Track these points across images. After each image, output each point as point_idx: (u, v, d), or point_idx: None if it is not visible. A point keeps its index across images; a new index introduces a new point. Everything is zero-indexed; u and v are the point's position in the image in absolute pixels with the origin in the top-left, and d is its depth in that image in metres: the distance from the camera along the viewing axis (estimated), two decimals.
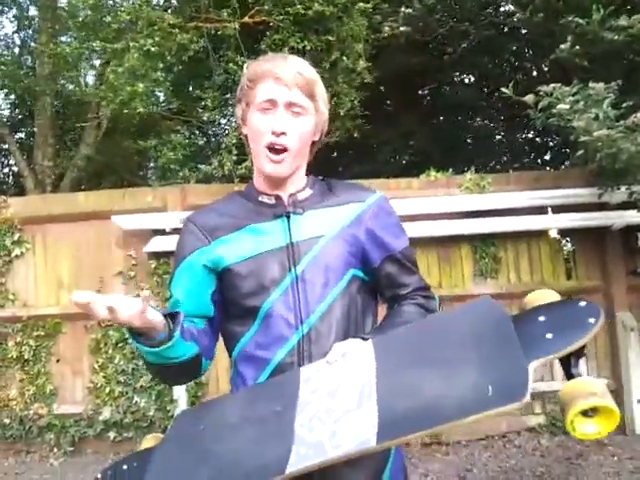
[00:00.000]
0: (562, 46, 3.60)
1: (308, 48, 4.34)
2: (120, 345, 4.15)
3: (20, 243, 4.27)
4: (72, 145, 6.81)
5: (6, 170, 8.26)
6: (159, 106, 5.87)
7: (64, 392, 4.22)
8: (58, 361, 4.24)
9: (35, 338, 4.20)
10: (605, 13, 3.43)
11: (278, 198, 1.22)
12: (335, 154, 7.18)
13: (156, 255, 4.14)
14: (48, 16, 5.93)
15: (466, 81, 7.91)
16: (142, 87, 4.29)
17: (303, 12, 4.23)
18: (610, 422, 0.91)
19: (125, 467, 1.15)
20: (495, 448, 3.92)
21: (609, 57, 3.83)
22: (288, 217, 1.20)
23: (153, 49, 4.25)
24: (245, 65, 1.27)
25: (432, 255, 4.24)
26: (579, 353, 0.99)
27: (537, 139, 7.67)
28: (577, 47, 3.60)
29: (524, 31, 5.97)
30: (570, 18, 3.63)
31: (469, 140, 7.84)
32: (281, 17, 4.34)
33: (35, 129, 6.25)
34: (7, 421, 4.12)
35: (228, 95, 5.14)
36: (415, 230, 3.83)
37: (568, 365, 1.00)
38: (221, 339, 1.26)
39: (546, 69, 6.40)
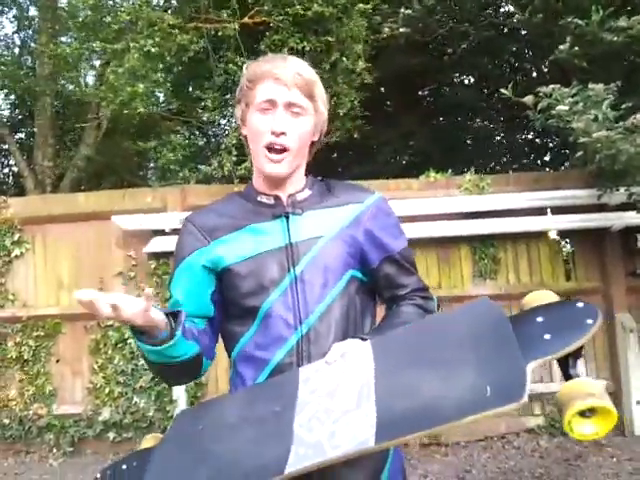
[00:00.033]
0: (561, 47, 3.60)
1: (307, 49, 4.35)
2: (120, 346, 4.15)
3: (20, 243, 4.27)
4: (72, 145, 6.81)
5: (6, 170, 8.27)
6: (159, 106, 5.88)
7: (64, 392, 4.22)
8: (58, 361, 4.24)
9: (35, 338, 4.21)
10: (604, 14, 3.44)
11: (277, 198, 1.22)
12: (335, 155, 7.19)
13: (156, 255, 4.15)
14: (48, 16, 5.94)
15: (466, 82, 7.92)
16: (142, 88, 4.30)
17: (302, 13, 4.24)
18: (608, 423, 0.91)
19: (124, 467, 1.16)
20: (494, 449, 3.92)
21: (608, 58, 3.84)
22: (287, 217, 1.20)
23: (153, 50, 4.25)
24: (244, 66, 1.28)
25: (431, 256, 4.24)
26: (577, 354, 0.99)
27: (537, 140, 7.68)
28: (576, 48, 3.60)
29: (524, 32, 5.98)
30: (569, 19, 3.64)
31: (469, 141, 7.84)
32: (281, 18, 4.35)
33: (35, 129, 6.25)
34: (7, 421, 4.12)
35: (228, 96, 5.14)
36: (414, 231, 3.83)
37: (566, 366, 1.00)
38: (220, 339, 1.27)
39: (546, 70, 6.41)
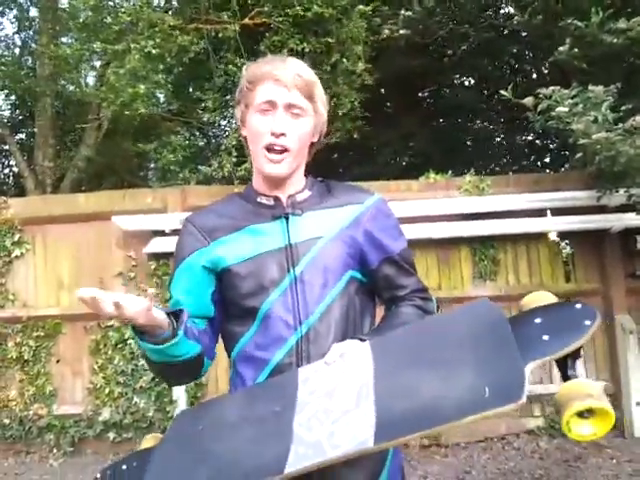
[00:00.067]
0: (561, 48, 3.60)
1: (307, 50, 4.36)
2: (120, 346, 4.16)
3: (20, 244, 4.28)
4: (72, 146, 6.82)
5: (6, 171, 8.27)
6: (159, 107, 5.88)
7: (64, 393, 4.22)
8: (58, 362, 4.24)
9: (35, 339, 4.21)
10: (604, 16, 3.44)
11: (277, 199, 1.23)
12: (335, 155, 7.20)
13: (156, 256, 4.15)
14: (49, 17, 5.94)
15: (466, 83, 7.93)
16: (143, 89, 4.30)
17: (302, 14, 4.25)
18: (606, 424, 0.91)
19: (124, 467, 1.16)
20: (494, 450, 3.92)
21: (608, 60, 3.84)
22: (287, 218, 1.20)
23: (154, 51, 4.26)
24: (244, 67, 1.28)
25: (431, 257, 4.25)
26: (575, 355, 1.00)
27: (537, 141, 7.69)
28: (576, 50, 3.60)
29: (524, 34, 5.98)
30: (569, 21, 3.64)
31: (469, 142, 7.85)
32: (280, 19, 4.35)
33: (35, 130, 6.25)
34: (7, 421, 4.12)
35: (228, 97, 5.15)
36: (414, 232, 3.84)
37: (564, 367, 1.01)
38: (220, 340, 1.27)
39: (546, 72, 6.42)
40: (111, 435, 4.08)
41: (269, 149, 1.18)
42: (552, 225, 4.14)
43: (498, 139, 7.94)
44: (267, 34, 4.49)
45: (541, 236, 4.23)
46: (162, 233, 4.06)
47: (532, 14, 4.19)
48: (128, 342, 4.11)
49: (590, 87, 3.19)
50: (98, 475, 1.17)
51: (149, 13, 4.46)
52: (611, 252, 4.19)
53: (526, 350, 0.96)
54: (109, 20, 4.72)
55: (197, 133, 6.57)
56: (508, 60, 7.19)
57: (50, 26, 5.87)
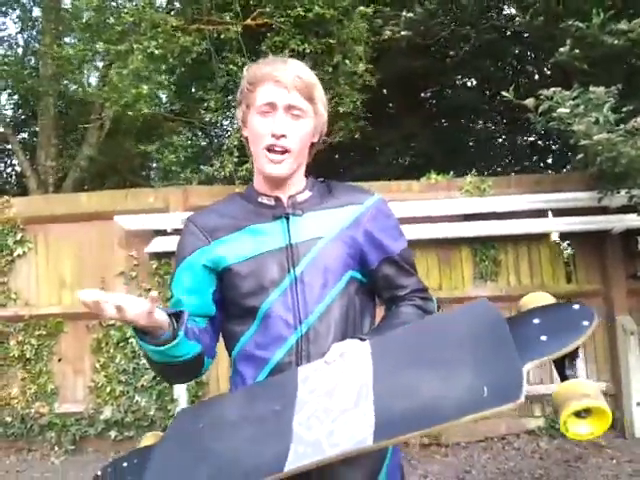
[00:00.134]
0: (561, 49, 3.60)
1: (308, 51, 4.36)
2: (121, 345, 4.17)
3: (22, 243, 4.29)
4: (75, 145, 6.83)
5: (9, 170, 8.31)
6: (162, 107, 5.90)
7: (65, 391, 4.24)
8: (60, 360, 4.25)
9: (37, 337, 4.22)
10: (605, 17, 3.44)
11: (277, 199, 1.24)
12: (337, 156, 7.20)
13: (157, 255, 4.16)
14: (52, 17, 5.97)
15: (468, 84, 7.93)
16: (146, 89, 4.31)
17: (304, 15, 4.25)
18: (603, 423, 0.92)
19: (125, 464, 1.17)
20: (494, 450, 3.93)
21: (609, 61, 3.84)
22: (287, 218, 1.21)
23: (157, 51, 4.27)
24: (245, 68, 1.29)
25: (432, 257, 4.25)
26: (573, 355, 1.00)
27: (539, 142, 7.68)
28: (577, 50, 3.60)
29: (526, 35, 5.98)
30: (570, 22, 3.64)
31: (471, 143, 7.84)
32: (282, 19, 4.36)
33: (38, 129, 6.27)
34: (9, 419, 4.14)
35: (230, 97, 5.16)
36: (415, 232, 3.84)
37: (562, 367, 1.01)
38: (221, 338, 1.28)
39: (548, 73, 6.42)
40: (112, 433, 4.09)
41: (270, 150, 1.19)
42: (553, 226, 4.14)
43: (500, 140, 7.94)
44: (268, 34, 4.50)
45: (542, 237, 4.22)
46: (164, 233, 4.07)
47: (533, 15, 4.19)
48: (129, 341, 4.12)
49: (591, 88, 3.20)
50: (99, 472, 1.18)
51: (152, 14, 4.47)
52: (612, 253, 4.19)
53: (524, 350, 0.96)
54: (112, 20, 4.73)
55: (199, 133, 6.58)
56: (510, 61, 7.19)
57: (53, 26, 5.89)
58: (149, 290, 3.94)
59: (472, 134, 7.75)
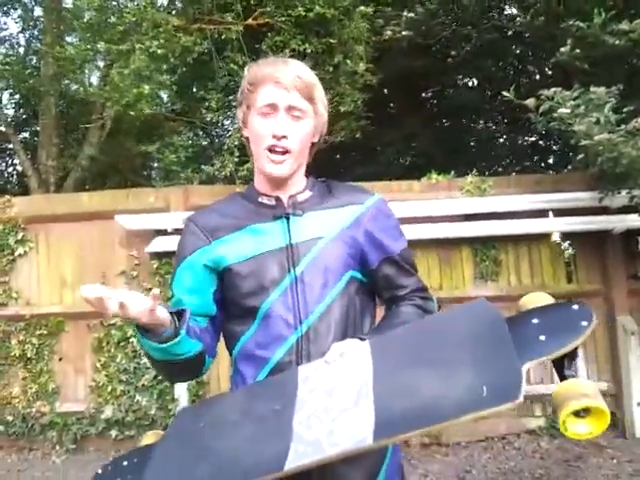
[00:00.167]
0: (562, 49, 3.60)
1: (309, 50, 4.37)
2: (122, 344, 4.18)
3: (24, 242, 4.30)
4: (76, 145, 6.83)
5: (10, 169, 8.30)
6: (163, 107, 5.90)
7: (66, 390, 4.24)
8: (61, 359, 4.26)
9: (38, 336, 4.23)
10: (606, 17, 3.44)
11: (278, 199, 1.24)
12: (338, 155, 7.20)
13: (158, 255, 4.17)
14: (53, 17, 5.96)
15: (469, 84, 7.92)
16: (148, 89, 4.32)
17: (304, 14, 4.26)
18: (601, 422, 0.92)
19: (125, 463, 1.17)
20: (494, 450, 3.93)
21: (610, 61, 3.84)
22: (288, 218, 1.22)
23: (159, 51, 4.27)
24: (246, 68, 1.29)
25: (433, 257, 4.25)
26: (572, 355, 1.01)
27: (540, 142, 7.67)
28: (577, 50, 3.60)
29: (527, 34, 5.98)
30: (571, 22, 3.64)
31: (472, 143, 7.84)
32: (283, 19, 4.36)
33: (39, 129, 6.28)
34: (10, 418, 4.14)
35: (231, 97, 5.17)
36: (416, 232, 3.84)
37: (561, 367, 1.02)
38: (221, 338, 1.29)
39: (549, 72, 6.41)
40: (113, 433, 4.10)
41: (271, 150, 1.19)
42: (554, 226, 4.14)
43: (501, 140, 7.93)
44: (269, 34, 4.51)
45: (543, 237, 4.22)
46: (165, 232, 4.07)
47: (534, 15, 4.19)
48: (130, 340, 4.13)
49: (592, 88, 3.19)
50: (99, 471, 1.18)
51: (153, 13, 4.48)
52: (613, 253, 4.18)
53: (523, 350, 0.97)
54: (113, 20, 4.73)
55: (200, 133, 6.59)
56: (511, 61, 7.18)
57: (54, 26, 5.89)
58: (150, 290, 3.92)
59: (473, 134, 7.74)
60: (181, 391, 4.03)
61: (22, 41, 7.18)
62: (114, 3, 5.07)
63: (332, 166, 6.46)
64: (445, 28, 5.22)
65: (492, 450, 3.92)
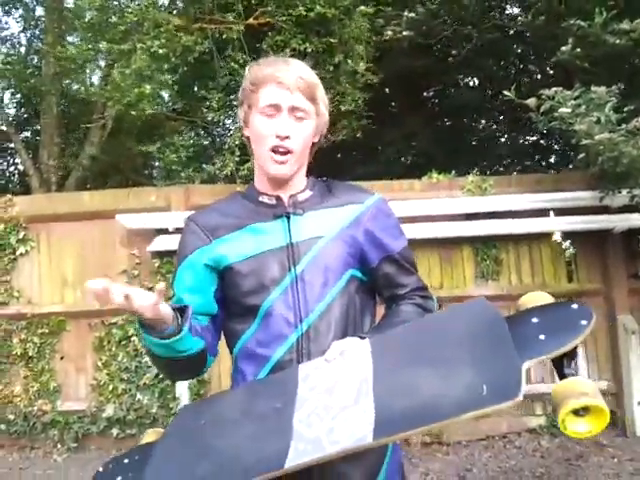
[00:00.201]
0: (563, 48, 3.60)
1: (309, 50, 4.37)
2: (123, 343, 4.18)
3: (25, 241, 4.31)
4: (77, 144, 6.83)
5: (12, 169, 8.30)
6: (164, 106, 5.91)
7: (68, 389, 4.25)
8: (62, 358, 4.27)
9: (39, 335, 4.24)
10: (607, 16, 3.44)
11: (278, 199, 1.25)
12: (339, 155, 7.20)
13: (159, 254, 4.17)
14: (54, 16, 5.96)
15: (470, 83, 7.92)
16: (149, 89, 4.32)
17: (305, 14, 4.26)
18: (600, 421, 0.93)
19: (126, 461, 1.17)
20: (495, 448, 3.93)
21: (611, 60, 3.84)
22: (288, 218, 1.22)
23: (160, 51, 4.28)
24: (247, 67, 1.30)
25: (433, 256, 4.25)
26: (572, 354, 1.01)
27: (541, 142, 7.67)
28: (578, 50, 3.60)
29: (528, 34, 5.97)
30: (572, 21, 3.64)
31: (473, 142, 7.83)
32: (284, 18, 4.37)
33: (40, 128, 6.28)
34: (11, 417, 4.15)
35: (232, 96, 5.17)
36: (417, 231, 3.85)
37: (561, 366, 1.02)
38: (222, 336, 1.29)
39: (550, 72, 6.41)
40: (114, 431, 4.11)
41: (274, 151, 1.20)
42: (555, 225, 4.14)
43: (502, 139, 7.92)
44: (270, 34, 4.51)
45: (543, 236, 4.22)
46: (166, 231, 4.08)
47: (535, 15, 4.19)
48: (132, 339, 4.14)
49: (593, 88, 3.19)
50: (100, 469, 1.19)
51: (154, 13, 4.48)
52: (614, 253, 4.18)
53: (523, 349, 0.97)
54: (115, 20, 4.74)
55: (201, 132, 6.59)
56: (512, 60, 7.18)
57: (56, 25, 5.89)
58: (151, 289, 3.94)
59: (474, 133, 7.74)
60: (182, 390, 4.03)
61: (23, 41, 7.19)
62: (115, 3, 5.07)
63: (333, 165, 6.46)
64: (446, 28, 5.21)
65: (493, 449, 3.93)
